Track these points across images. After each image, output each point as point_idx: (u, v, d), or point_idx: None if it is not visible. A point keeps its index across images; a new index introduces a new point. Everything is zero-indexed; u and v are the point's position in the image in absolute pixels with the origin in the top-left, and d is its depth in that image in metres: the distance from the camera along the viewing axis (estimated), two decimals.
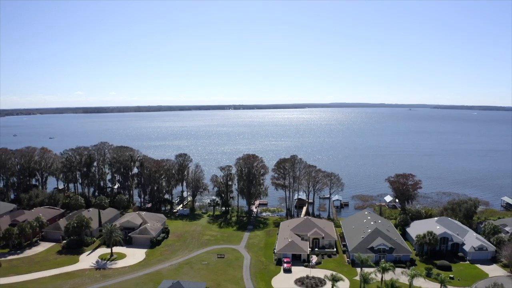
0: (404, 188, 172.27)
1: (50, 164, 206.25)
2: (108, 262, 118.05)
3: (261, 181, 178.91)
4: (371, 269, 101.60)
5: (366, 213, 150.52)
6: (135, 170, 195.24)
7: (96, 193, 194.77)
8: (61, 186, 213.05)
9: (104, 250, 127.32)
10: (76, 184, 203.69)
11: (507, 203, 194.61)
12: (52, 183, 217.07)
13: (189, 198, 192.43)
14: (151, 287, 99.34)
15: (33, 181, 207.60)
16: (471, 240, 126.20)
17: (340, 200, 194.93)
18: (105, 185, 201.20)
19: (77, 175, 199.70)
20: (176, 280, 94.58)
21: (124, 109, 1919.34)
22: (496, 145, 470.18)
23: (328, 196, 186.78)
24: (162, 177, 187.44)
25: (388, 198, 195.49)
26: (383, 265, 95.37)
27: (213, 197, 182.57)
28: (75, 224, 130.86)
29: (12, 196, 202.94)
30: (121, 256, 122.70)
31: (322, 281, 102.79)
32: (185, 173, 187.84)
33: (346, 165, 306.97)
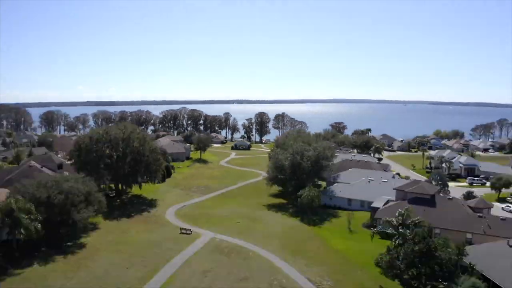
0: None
1: None
2: None
3: (267, 126, 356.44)
4: None
5: None
6: (201, 122, 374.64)
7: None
8: None
9: None
10: None
11: None
12: None
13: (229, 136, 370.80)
14: None
15: None
16: None
17: None
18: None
19: None
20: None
21: (130, 102, 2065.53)
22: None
23: None
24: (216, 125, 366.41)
25: None
26: None
27: (242, 134, 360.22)
28: None
29: None
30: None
31: None
32: (229, 122, 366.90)
33: None
